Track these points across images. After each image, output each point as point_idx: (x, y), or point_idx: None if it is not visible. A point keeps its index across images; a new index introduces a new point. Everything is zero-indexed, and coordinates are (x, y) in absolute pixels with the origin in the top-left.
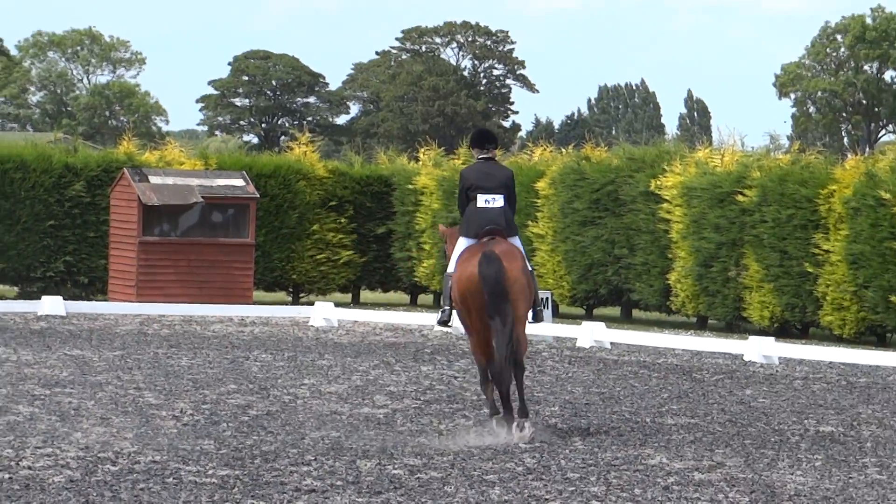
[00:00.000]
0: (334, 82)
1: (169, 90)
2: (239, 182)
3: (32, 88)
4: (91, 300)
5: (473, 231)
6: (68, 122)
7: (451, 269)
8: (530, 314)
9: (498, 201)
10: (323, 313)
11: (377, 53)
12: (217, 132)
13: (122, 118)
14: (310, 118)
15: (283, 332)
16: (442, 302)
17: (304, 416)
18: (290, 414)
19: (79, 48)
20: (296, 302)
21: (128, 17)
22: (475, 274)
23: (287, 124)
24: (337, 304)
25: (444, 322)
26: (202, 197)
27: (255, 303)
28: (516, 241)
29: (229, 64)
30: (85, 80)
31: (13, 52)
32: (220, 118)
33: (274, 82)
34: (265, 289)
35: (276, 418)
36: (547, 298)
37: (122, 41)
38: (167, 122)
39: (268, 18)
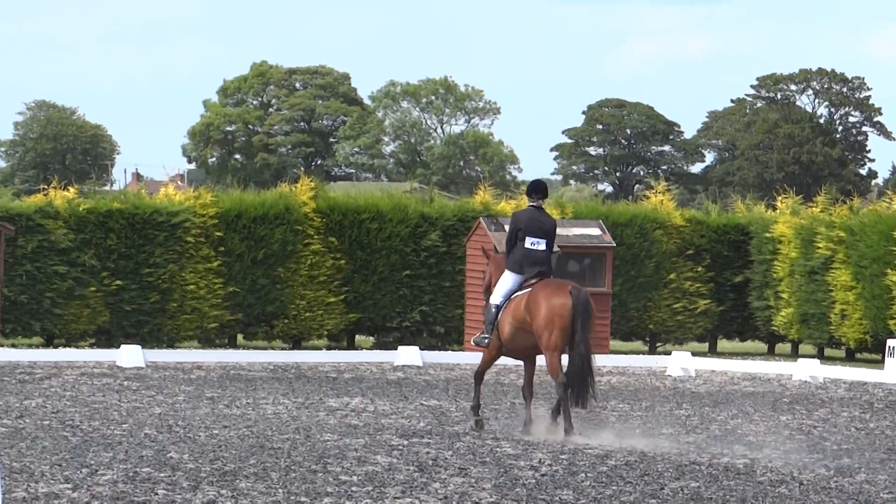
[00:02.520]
0: (689, 130)
1: (523, 139)
2: (595, 231)
3: (386, 138)
4: (447, 350)
5: (519, 268)
6: (422, 171)
7: (498, 300)
8: None
9: (541, 245)
10: (680, 363)
11: (732, 101)
12: (571, 181)
13: (476, 168)
14: (664, 166)
15: (639, 382)
16: (486, 329)
17: (663, 466)
18: (648, 464)
19: (433, 98)
20: (652, 351)
21: (482, 67)
22: (569, 303)
23: (642, 173)
24: (694, 354)
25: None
26: (558, 246)
27: (611, 352)
28: None
29: (583, 113)
30: (439, 130)
31: (367, 102)
32: (574, 167)
33: (628, 131)
34: (621, 338)
35: (635, 468)
36: None
37: (477, 90)
38: (521, 170)
39: (622, 68)
